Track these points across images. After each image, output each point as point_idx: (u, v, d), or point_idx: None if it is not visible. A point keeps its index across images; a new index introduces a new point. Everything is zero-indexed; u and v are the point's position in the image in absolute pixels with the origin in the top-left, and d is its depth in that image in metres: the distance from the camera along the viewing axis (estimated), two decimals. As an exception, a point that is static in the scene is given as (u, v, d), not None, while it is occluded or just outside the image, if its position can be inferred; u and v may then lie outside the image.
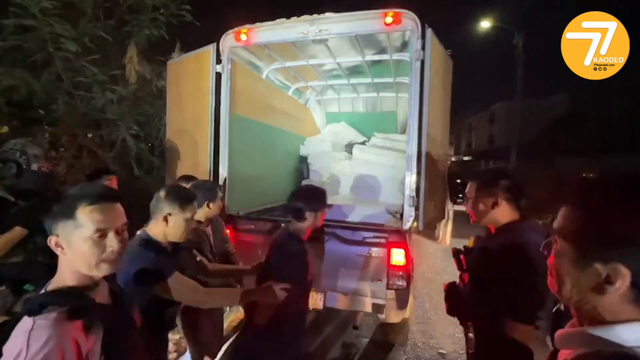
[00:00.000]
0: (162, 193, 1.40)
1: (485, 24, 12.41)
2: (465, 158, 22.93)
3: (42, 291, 0.79)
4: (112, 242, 0.83)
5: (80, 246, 0.80)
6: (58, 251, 0.81)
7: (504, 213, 1.27)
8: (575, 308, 0.54)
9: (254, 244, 2.75)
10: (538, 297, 1.10)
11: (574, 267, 0.51)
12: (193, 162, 3.01)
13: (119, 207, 0.88)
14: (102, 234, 0.82)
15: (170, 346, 2.73)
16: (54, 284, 0.81)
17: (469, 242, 1.44)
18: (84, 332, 0.74)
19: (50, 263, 0.87)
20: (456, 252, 1.43)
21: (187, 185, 2.05)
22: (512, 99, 13.49)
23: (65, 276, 0.81)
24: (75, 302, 0.77)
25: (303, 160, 4.83)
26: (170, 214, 1.36)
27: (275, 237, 1.70)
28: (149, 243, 1.35)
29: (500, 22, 12.45)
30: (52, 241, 0.81)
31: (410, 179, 2.46)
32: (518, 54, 12.14)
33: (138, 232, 1.43)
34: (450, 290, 1.41)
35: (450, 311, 1.40)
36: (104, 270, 0.83)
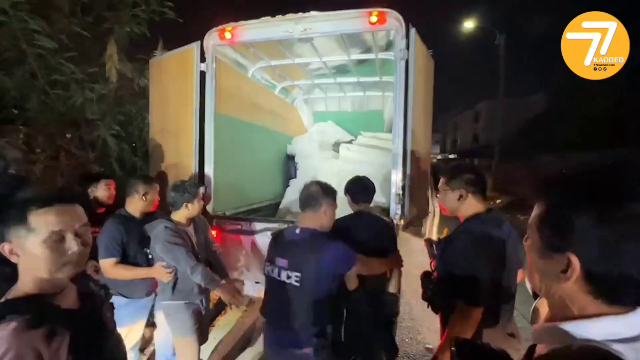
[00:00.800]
0: (315, 188, 1.52)
1: (468, 25, 12.67)
2: (451, 156, 23.42)
3: (2, 300, 0.76)
4: (70, 244, 0.80)
5: (36, 251, 0.76)
6: (13, 259, 0.78)
7: (469, 205, 1.38)
8: (547, 300, 0.57)
9: (240, 244, 2.72)
10: (487, 281, 1.20)
11: (540, 258, 0.55)
12: (177, 162, 2.95)
13: (77, 208, 0.84)
14: (58, 237, 0.78)
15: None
16: (14, 292, 0.78)
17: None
18: (46, 340, 0.71)
19: (13, 273, 0.84)
20: (428, 242, 1.54)
21: (150, 187, 2.06)
22: (495, 98, 13.84)
23: (25, 284, 0.78)
24: (35, 310, 0.73)
25: (290, 159, 4.82)
26: (327, 207, 1.51)
27: (364, 222, 1.90)
28: (324, 234, 1.50)
29: (482, 22, 12.74)
30: (5, 248, 0.77)
31: (396, 177, 2.49)
32: (500, 54, 12.47)
33: (297, 231, 1.50)
34: (425, 277, 1.52)
35: (424, 297, 1.50)
36: (67, 272, 0.80)
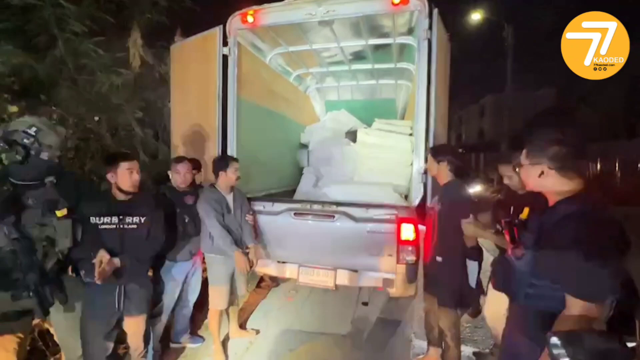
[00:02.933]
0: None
1: (475, 16, 12.54)
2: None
3: None
4: None
5: None
6: None
7: (557, 183, 1.15)
8: None
9: (263, 225, 2.77)
10: (613, 271, 1.03)
11: None
12: (199, 146, 3.00)
13: None
14: None
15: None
16: None
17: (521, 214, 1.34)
18: None
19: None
20: (508, 224, 1.31)
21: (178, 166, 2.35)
22: (501, 92, 13.75)
23: None
24: None
25: (303, 147, 4.86)
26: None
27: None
28: None
29: (490, 14, 12.61)
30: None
31: (418, 159, 2.52)
32: (507, 46, 12.34)
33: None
34: (501, 264, 1.33)
35: (500, 286, 1.33)
36: None
